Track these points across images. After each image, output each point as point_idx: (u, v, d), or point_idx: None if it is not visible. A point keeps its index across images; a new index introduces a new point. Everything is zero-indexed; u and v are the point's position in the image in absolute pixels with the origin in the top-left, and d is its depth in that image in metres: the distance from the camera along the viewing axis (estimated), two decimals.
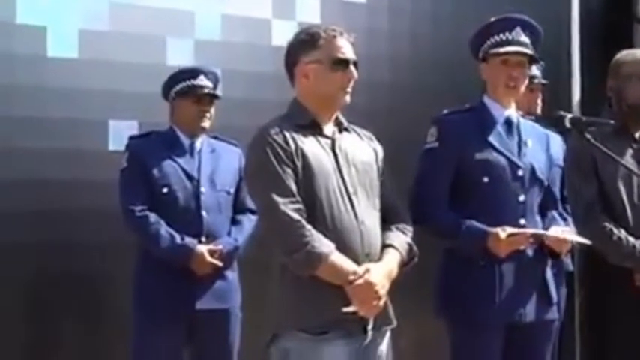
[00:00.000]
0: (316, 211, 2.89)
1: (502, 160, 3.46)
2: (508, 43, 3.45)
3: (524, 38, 3.48)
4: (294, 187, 2.88)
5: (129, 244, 4.18)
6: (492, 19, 3.58)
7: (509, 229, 3.33)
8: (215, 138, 4.21)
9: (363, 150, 3.08)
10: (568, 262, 4.65)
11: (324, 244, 2.83)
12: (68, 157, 4.47)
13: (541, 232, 3.42)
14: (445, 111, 3.61)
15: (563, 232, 3.45)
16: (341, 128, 3.07)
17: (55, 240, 4.39)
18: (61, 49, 4.48)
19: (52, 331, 4.42)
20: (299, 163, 2.90)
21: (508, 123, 3.54)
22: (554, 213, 3.61)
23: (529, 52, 3.50)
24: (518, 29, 3.48)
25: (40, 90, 4.44)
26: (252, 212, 4.03)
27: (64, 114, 4.47)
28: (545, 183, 3.57)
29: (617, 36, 5.95)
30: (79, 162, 4.48)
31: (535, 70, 4.52)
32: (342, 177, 2.95)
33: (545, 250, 3.53)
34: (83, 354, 4.46)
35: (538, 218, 3.51)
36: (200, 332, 3.97)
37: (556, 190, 3.82)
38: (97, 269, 4.46)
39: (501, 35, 3.47)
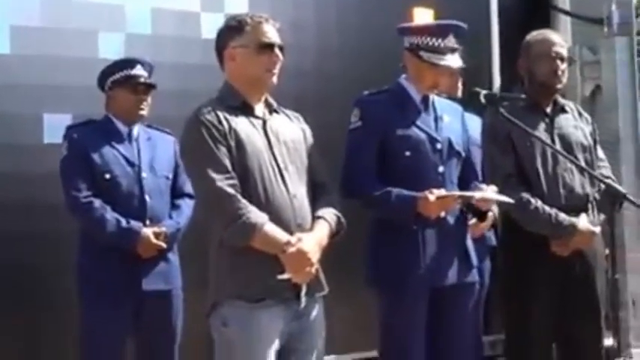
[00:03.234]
0: (250, 187, 3.06)
1: (421, 135, 3.69)
2: (441, 50, 3.68)
3: (455, 44, 3.72)
4: (228, 164, 3.04)
5: (66, 233, 4.26)
6: (429, 24, 3.80)
7: (437, 192, 3.53)
8: (149, 126, 4.32)
9: (292, 129, 3.26)
10: (491, 237, 4.86)
11: (258, 215, 3.00)
12: (4, 150, 4.52)
13: (467, 193, 3.62)
14: (365, 92, 3.82)
15: (488, 191, 3.64)
16: (271, 109, 3.25)
17: None
18: None
19: None
20: (232, 142, 3.07)
21: (425, 101, 3.77)
22: (476, 182, 3.80)
23: (460, 66, 3.82)
24: (450, 36, 3.71)
25: None
26: (190, 197, 4.14)
27: None
28: (463, 154, 3.79)
29: (535, 20, 6.18)
30: (14, 155, 4.54)
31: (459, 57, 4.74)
32: (273, 154, 3.13)
33: (466, 215, 3.75)
34: (25, 343, 4.52)
35: (457, 188, 3.71)
36: (146, 313, 4.06)
37: (477, 169, 4.04)
38: (34, 259, 4.50)
39: (434, 40, 3.68)
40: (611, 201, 3.79)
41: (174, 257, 4.20)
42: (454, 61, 3.74)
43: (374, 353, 3.87)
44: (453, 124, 3.80)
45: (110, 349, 4.05)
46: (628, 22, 6.38)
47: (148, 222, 4.08)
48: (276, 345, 3.05)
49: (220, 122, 3.08)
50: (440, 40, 3.67)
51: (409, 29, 3.80)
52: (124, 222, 4.02)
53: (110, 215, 4.01)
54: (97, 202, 4.03)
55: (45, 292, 4.54)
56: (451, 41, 3.70)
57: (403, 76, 3.81)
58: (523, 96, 3.83)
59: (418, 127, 3.70)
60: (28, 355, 4.54)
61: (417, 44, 3.70)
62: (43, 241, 4.52)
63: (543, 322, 3.92)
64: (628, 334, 6.19)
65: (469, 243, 3.78)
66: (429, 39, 3.68)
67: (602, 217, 4.00)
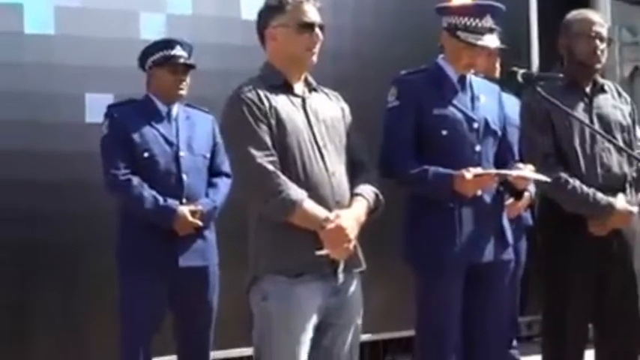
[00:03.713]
0: (289, 164, 3.11)
1: (458, 114, 3.72)
2: (478, 30, 3.70)
3: (492, 24, 3.74)
4: (269, 142, 3.09)
5: (106, 211, 4.36)
6: (467, 4, 3.82)
7: (474, 170, 3.57)
8: (188, 105, 4.38)
9: (331, 108, 3.30)
10: (527, 217, 4.89)
11: (297, 192, 3.05)
12: (47, 129, 4.64)
13: (504, 171, 3.64)
14: (403, 72, 3.86)
15: (525, 170, 3.65)
16: (310, 88, 3.29)
17: (33, 208, 4.58)
18: (38, 26, 4.65)
19: (35, 295, 4.61)
20: (273, 120, 3.12)
21: (461, 80, 3.80)
22: (513, 162, 3.82)
23: (497, 46, 3.87)
24: (488, 16, 3.73)
25: (18, 65, 4.60)
26: (227, 175, 4.23)
27: (41, 88, 4.64)
28: (499, 133, 3.82)
29: (574, 1, 6.15)
30: (57, 134, 4.67)
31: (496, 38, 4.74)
32: (312, 132, 3.17)
33: (503, 194, 3.78)
34: (66, 316, 4.66)
35: (493, 167, 3.73)
36: (182, 288, 4.15)
37: (514, 149, 4.06)
38: (77, 237, 4.64)
39: (472, 20, 3.71)
40: None
41: (210, 235, 4.27)
42: (491, 41, 3.76)
43: (410, 333, 3.90)
44: (490, 103, 3.82)
45: (148, 322, 4.14)
46: None
47: (184, 200, 4.17)
48: (314, 320, 3.10)
49: (261, 100, 3.12)
50: (477, 21, 3.70)
51: (447, 9, 3.83)
52: (161, 200, 4.10)
53: (148, 193, 4.09)
54: (135, 180, 4.11)
55: (85, 269, 4.68)
56: (488, 21, 3.72)
57: (441, 56, 3.83)
58: (561, 75, 3.83)
59: (455, 107, 3.73)
60: (65, 328, 4.66)
61: (454, 24, 3.73)
62: (85, 219, 4.64)
63: (580, 303, 3.92)
64: None
65: (505, 221, 3.81)
66: (466, 19, 3.71)
67: None
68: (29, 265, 4.58)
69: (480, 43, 3.71)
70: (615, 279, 3.94)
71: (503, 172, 3.64)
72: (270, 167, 3.05)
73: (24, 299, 4.59)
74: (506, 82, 4.10)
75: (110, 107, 4.31)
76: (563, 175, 3.86)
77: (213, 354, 4.37)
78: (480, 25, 3.70)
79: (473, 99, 3.78)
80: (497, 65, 4.89)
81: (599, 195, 3.86)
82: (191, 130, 4.29)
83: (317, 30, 3.20)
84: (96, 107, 4.58)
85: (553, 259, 3.98)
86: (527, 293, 5.38)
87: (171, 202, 4.12)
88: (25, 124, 4.60)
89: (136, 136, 4.15)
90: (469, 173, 3.54)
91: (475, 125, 3.73)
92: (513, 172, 3.62)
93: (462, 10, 3.75)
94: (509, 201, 4.03)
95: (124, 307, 4.15)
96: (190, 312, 4.22)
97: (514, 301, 4.80)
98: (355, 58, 5.55)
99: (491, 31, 3.74)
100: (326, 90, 3.36)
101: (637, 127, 4.13)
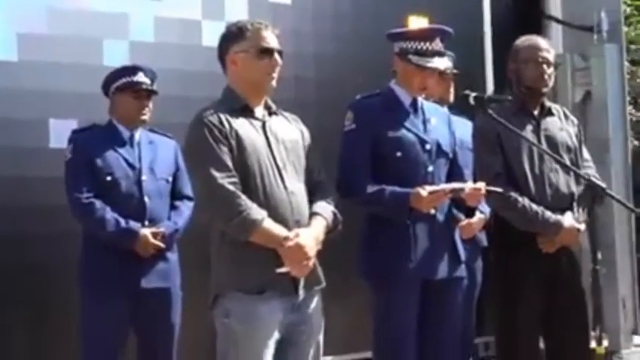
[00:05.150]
0: (250, 184, 3.22)
1: (411, 136, 3.87)
2: (428, 53, 3.85)
3: (441, 47, 3.89)
4: (229, 163, 3.20)
5: (71, 234, 4.40)
6: (416, 28, 3.96)
7: (429, 187, 3.71)
8: (151, 131, 4.47)
9: (290, 130, 3.42)
10: (483, 238, 5.00)
11: (257, 212, 3.16)
12: (11, 154, 4.67)
13: (458, 185, 3.78)
14: (358, 96, 4.00)
15: (477, 185, 3.79)
16: (270, 111, 3.41)
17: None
18: (1, 52, 4.68)
19: (1, 316, 4.62)
20: (233, 142, 3.23)
21: (413, 104, 3.95)
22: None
23: (447, 68, 4.02)
24: (437, 40, 3.88)
25: None
26: (189, 199, 4.32)
27: (6, 113, 4.67)
28: (450, 155, 3.96)
29: (528, 28, 6.32)
30: (21, 159, 4.70)
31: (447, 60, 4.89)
32: (272, 154, 3.29)
33: (456, 216, 3.91)
34: (32, 338, 4.68)
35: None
36: (145, 309, 4.21)
37: (468, 172, 4.20)
38: (41, 260, 4.65)
39: (421, 44, 3.86)
40: (591, 195, 3.97)
41: (173, 256, 4.34)
42: (441, 63, 3.92)
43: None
44: (440, 126, 3.97)
45: (109, 343, 4.19)
46: (617, 29, 6.54)
47: (147, 223, 4.24)
48: (276, 335, 3.20)
49: (222, 123, 3.23)
50: (427, 44, 3.85)
51: (398, 35, 3.98)
52: (123, 222, 4.17)
53: (110, 215, 4.17)
54: (98, 203, 4.18)
55: (49, 291, 4.68)
56: (438, 45, 3.88)
57: (393, 80, 3.98)
58: (509, 97, 3.99)
59: (407, 129, 3.87)
60: (33, 350, 4.68)
61: (405, 48, 3.88)
62: (48, 241, 4.65)
63: (530, 319, 4.05)
64: (619, 336, 6.32)
65: (457, 239, 3.94)
66: (416, 43, 3.85)
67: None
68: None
69: (429, 65, 3.85)
70: (564, 295, 4.09)
71: (457, 186, 3.77)
72: (231, 188, 3.15)
73: None
74: (463, 107, 4.24)
75: (74, 132, 4.38)
76: (513, 195, 4.01)
77: None
78: (429, 48, 3.85)
79: (424, 122, 3.92)
80: (452, 90, 5.01)
81: (548, 213, 4.01)
82: (153, 155, 4.37)
83: (276, 55, 3.33)
84: (60, 132, 4.63)
85: (504, 277, 4.12)
86: (484, 314, 5.48)
87: (133, 224, 4.19)
88: None
89: (99, 161, 4.23)
90: (424, 190, 3.68)
91: (428, 147, 3.87)
92: (466, 185, 3.76)
93: (412, 35, 3.91)
94: (464, 222, 4.16)
95: (85, 330, 4.20)
96: (152, 333, 4.27)
97: (470, 321, 4.88)
98: (316, 84, 5.65)
99: (440, 54, 3.89)
100: (285, 113, 3.48)
101: (584, 148, 4.30)
